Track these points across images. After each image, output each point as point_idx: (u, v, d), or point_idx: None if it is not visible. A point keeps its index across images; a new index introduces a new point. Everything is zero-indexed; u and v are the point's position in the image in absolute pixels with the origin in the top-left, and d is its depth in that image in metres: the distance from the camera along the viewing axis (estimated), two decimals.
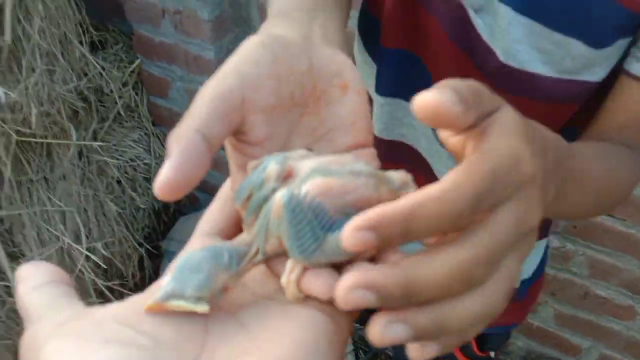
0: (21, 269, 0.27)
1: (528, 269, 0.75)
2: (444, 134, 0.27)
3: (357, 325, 1.60)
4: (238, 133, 0.28)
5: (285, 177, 0.27)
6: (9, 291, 1.11)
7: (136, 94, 1.50)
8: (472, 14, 0.48)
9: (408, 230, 0.22)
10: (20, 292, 0.25)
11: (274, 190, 0.26)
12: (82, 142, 1.20)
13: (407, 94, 0.59)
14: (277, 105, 0.29)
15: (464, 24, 0.49)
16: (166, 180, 0.24)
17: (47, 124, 1.12)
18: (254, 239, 0.27)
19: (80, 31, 1.27)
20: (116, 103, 1.44)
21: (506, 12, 0.46)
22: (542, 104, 0.51)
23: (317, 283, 0.24)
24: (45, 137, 1.10)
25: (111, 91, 1.43)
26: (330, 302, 0.24)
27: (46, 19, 1.12)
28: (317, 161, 0.27)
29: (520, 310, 0.79)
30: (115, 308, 0.24)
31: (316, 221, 0.25)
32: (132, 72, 1.44)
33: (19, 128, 1.05)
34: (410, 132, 0.62)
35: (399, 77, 0.59)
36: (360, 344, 1.63)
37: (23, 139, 1.05)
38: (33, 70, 1.08)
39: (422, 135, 0.61)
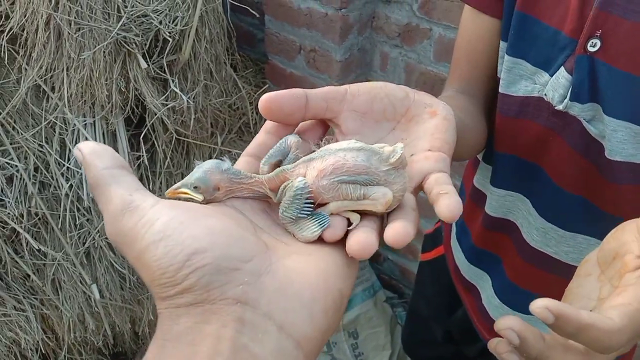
0: (86, 145, 0.31)
1: None
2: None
3: None
4: (335, 124, 0.38)
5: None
6: None
7: (256, 112, 1.72)
8: (585, 123, 0.58)
9: (575, 334, 0.32)
10: (99, 165, 0.30)
11: (295, 157, 0.35)
12: (220, 147, 1.40)
13: (520, 189, 0.69)
14: (368, 112, 0.38)
15: (580, 132, 0.58)
16: (267, 97, 0.35)
17: (197, 128, 1.33)
18: (262, 179, 0.34)
19: (227, 55, 1.50)
20: (240, 119, 1.65)
21: (610, 121, 0.55)
22: None
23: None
24: (195, 139, 1.30)
25: (237, 108, 1.64)
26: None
27: (209, 42, 1.34)
28: (325, 147, 0.34)
29: None
30: (191, 203, 0.31)
31: (302, 207, 0.32)
32: (260, 94, 1.65)
33: (178, 128, 1.27)
34: (504, 210, 0.72)
35: (513, 176, 0.69)
36: None
37: (181, 138, 1.26)
38: (195, 84, 1.30)
39: (521, 212, 0.70)
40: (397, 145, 0.34)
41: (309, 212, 0.32)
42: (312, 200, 0.32)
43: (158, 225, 0.27)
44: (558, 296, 0.71)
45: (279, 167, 0.36)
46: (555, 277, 0.70)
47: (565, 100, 0.57)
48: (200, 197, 0.32)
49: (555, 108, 0.58)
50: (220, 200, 0.33)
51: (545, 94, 0.59)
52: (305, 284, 0.28)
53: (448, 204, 0.33)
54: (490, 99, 0.69)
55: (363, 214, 0.34)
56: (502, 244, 0.76)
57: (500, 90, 0.63)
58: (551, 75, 0.58)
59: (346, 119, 0.38)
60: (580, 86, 0.55)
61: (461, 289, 0.89)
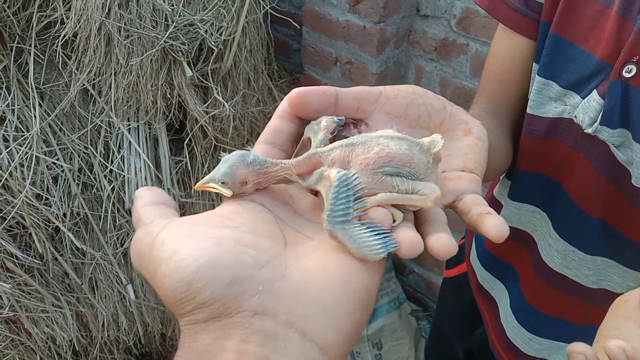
0: (139, 190, 0.33)
1: None
2: None
3: None
4: (365, 124, 0.37)
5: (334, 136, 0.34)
6: None
7: None
8: (613, 148, 0.57)
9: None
10: (137, 205, 0.31)
11: (325, 140, 0.33)
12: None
13: (537, 203, 0.69)
14: (401, 116, 0.37)
15: (607, 156, 0.58)
16: (297, 91, 0.35)
17: (235, 135, 1.36)
18: (289, 164, 0.32)
19: (264, 64, 1.52)
20: None
21: (639, 148, 0.54)
22: None
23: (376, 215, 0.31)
24: (232, 146, 1.33)
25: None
26: None
27: (249, 52, 1.37)
28: (364, 135, 0.33)
29: None
30: (203, 214, 0.31)
31: (352, 202, 0.30)
32: None
33: (217, 135, 1.29)
34: (531, 227, 0.72)
35: (532, 191, 0.69)
36: None
37: (219, 144, 1.28)
38: (235, 92, 1.33)
39: (541, 231, 0.70)
40: (437, 136, 0.33)
41: (357, 208, 0.30)
42: (361, 194, 0.30)
43: (168, 243, 0.27)
44: (575, 319, 0.71)
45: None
46: (575, 299, 0.70)
47: (595, 124, 0.56)
48: (229, 192, 0.32)
49: (585, 131, 0.58)
50: (249, 194, 0.32)
51: (575, 116, 0.59)
52: (326, 286, 0.27)
53: (495, 223, 0.33)
54: (517, 121, 0.68)
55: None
56: (517, 255, 0.76)
57: (529, 111, 0.63)
58: (582, 98, 0.58)
59: (378, 120, 0.37)
60: (612, 111, 0.55)
61: (482, 303, 0.89)
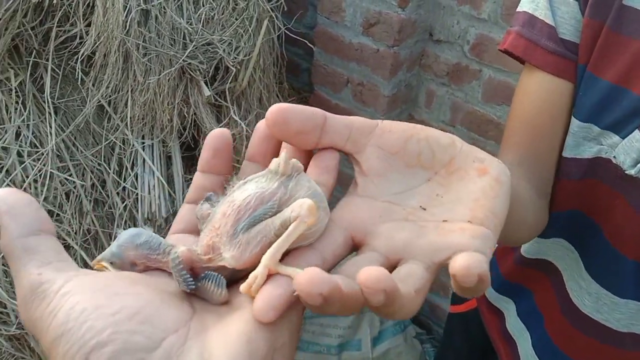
0: (5, 201, 0.26)
1: None
2: None
3: None
4: (355, 160, 0.32)
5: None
6: None
7: None
8: None
9: None
10: (13, 232, 0.26)
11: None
12: None
13: (572, 239, 0.66)
14: (399, 152, 0.32)
15: None
16: (276, 107, 0.30)
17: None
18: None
19: (276, 84, 1.53)
20: None
21: None
22: None
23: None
24: None
25: None
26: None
27: (262, 71, 1.37)
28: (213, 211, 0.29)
29: None
30: (111, 273, 0.28)
31: (183, 278, 0.28)
32: None
33: None
34: (562, 265, 0.68)
35: (566, 228, 0.66)
36: None
37: (233, 164, 1.28)
38: (248, 112, 1.32)
39: (570, 271, 0.67)
40: (280, 154, 0.29)
41: (191, 281, 0.29)
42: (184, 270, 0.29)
43: (60, 316, 0.24)
44: None
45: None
46: (604, 345, 0.68)
47: (639, 165, 0.54)
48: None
49: (626, 172, 0.55)
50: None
51: (614, 157, 0.56)
52: (223, 353, 0.25)
53: (466, 257, 0.26)
54: (548, 176, 0.63)
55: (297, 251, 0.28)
56: (540, 289, 0.74)
57: (564, 154, 0.60)
58: (622, 138, 0.55)
59: (370, 156, 0.32)
60: None
61: (498, 340, 0.86)
